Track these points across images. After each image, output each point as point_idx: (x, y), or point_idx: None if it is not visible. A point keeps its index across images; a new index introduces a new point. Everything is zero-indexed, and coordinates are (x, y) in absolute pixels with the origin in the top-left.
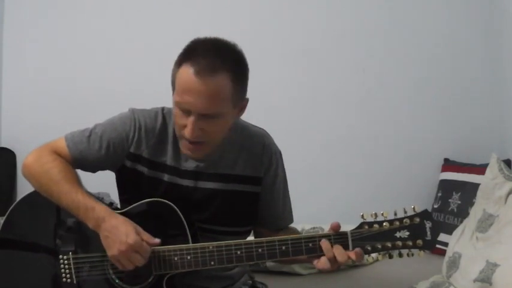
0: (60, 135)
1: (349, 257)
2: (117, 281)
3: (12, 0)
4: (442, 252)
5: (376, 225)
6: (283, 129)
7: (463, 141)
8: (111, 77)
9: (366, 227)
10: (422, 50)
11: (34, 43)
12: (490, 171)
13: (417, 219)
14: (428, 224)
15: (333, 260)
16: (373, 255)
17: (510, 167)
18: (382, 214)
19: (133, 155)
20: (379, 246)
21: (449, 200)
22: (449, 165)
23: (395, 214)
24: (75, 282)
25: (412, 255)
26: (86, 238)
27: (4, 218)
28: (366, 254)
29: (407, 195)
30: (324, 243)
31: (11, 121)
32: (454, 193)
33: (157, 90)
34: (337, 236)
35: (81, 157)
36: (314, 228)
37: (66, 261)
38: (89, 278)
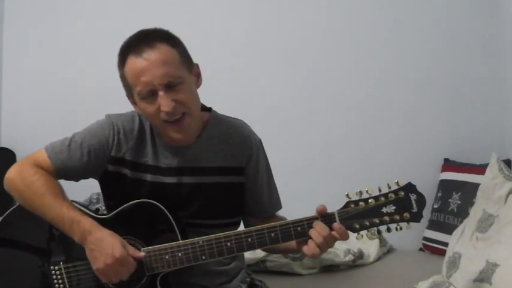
0: (60, 135)
1: (331, 234)
2: (110, 285)
3: (12, 0)
4: (442, 252)
5: (361, 203)
6: (283, 129)
7: (463, 141)
8: (111, 77)
9: (352, 205)
10: (422, 50)
11: (34, 43)
12: (490, 171)
13: (402, 193)
14: (413, 197)
15: (322, 244)
16: (362, 232)
17: (510, 167)
18: (367, 191)
19: (115, 158)
20: (367, 223)
21: (449, 200)
22: (449, 165)
23: (380, 190)
24: None
25: (401, 229)
26: (75, 247)
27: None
28: (354, 232)
29: None
30: (313, 232)
31: (11, 121)
32: (454, 193)
33: None
34: (325, 218)
35: (63, 166)
36: None
37: (57, 272)
38: (82, 286)
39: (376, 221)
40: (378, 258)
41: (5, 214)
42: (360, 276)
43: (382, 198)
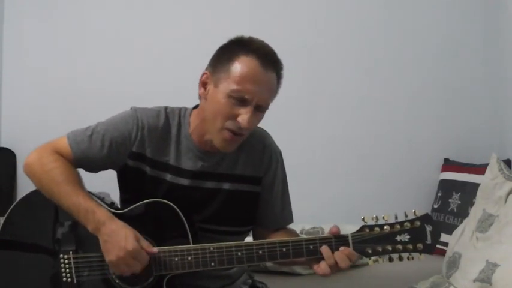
0: (60, 135)
1: (350, 261)
2: (117, 280)
3: (12, 0)
4: (442, 252)
5: (377, 228)
6: (283, 129)
7: (463, 141)
8: (111, 77)
9: (367, 230)
10: (422, 50)
11: (34, 43)
12: (490, 171)
13: (418, 223)
14: (428, 228)
15: (333, 265)
16: (374, 258)
17: (510, 167)
18: (383, 217)
19: (136, 154)
20: (380, 249)
21: (449, 200)
22: (449, 165)
23: (396, 217)
24: (75, 281)
25: (412, 258)
26: (86, 238)
27: (4, 217)
28: (366, 256)
29: (407, 195)
30: (325, 250)
31: (11, 121)
32: (454, 193)
33: (157, 90)
34: (338, 240)
35: (83, 156)
36: (314, 228)
37: (66, 261)
38: (89, 277)
39: (389, 248)
40: None
41: (15, 203)
42: (360, 276)
43: (398, 226)
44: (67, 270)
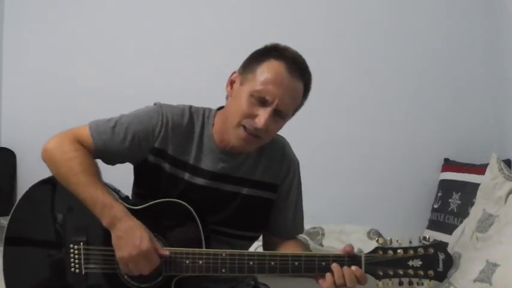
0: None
1: (359, 282)
2: (125, 277)
3: (12, 0)
4: None
5: (390, 252)
6: (283, 129)
7: (463, 141)
8: (111, 77)
9: (380, 252)
10: (422, 50)
11: (34, 43)
12: (490, 171)
13: (431, 250)
14: (441, 256)
15: (341, 284)
16: (384, 280)
17: (510, 167)
18: (397, 241)
19: (158, 150)
20: (391, 273)
21: (449, 200)
22: (449, 165)
23: (410, 242)
24: (83, 273)
25: (422, 284)
26: (98, 230)
27: (10, 213)
28: (376, 278)
29: (407, 195)
30: (336, 268)
31: (11, 121)
32: (454, 193)
33: (157, 90)
34: (351, 259)
35: (104, 148)
36: (314, 228)
37: (76, 251)
38: (97, 270)
39: (401, 272)
40: None
41: (22, 196)
42: None
43: (411, 251)
44: (76, 261)
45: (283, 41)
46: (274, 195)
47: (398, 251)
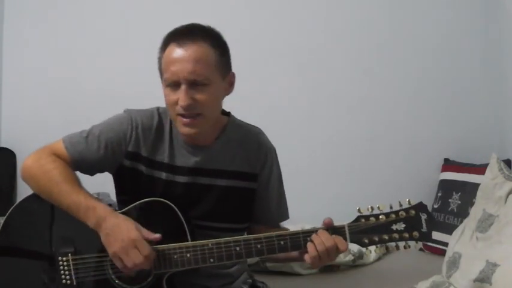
0: (60, 135)
1: (335, 243)
2: (116, 281)
3: (12, 0)
4: (442, 252)
5: (372, 218)
6: (283, 129)
7: (463, 141)
8: (111, 77)
9: (363, 220)
10: (422, 50)
11: (34, 43)
12: (490, 171)
13: (412, 212)
14: (423, 216)
15: (323, 253)
16: (371, 247)
17: (510, 167)
18: (378, 208)
19: (132, 153)
20: (376, 239)
21: (449, 200)
22: (449, 165)
23: (391, 207)
24: (74, 283)
25: (409, 247)
26: (84, 239)
27: (2, 222)
28: (363, 246)
29: (407, 195)
30: (314, 236)
31: (11, 121)
32: (454, 193)
33: (157, 90)
34: (335, 231)
35: (80, 158)
36: (314, 228)
37: (65, 263)
38: (88, 278)
39: (386, 237)
40: (378, 258)
41: (13, 207)
42: (360, 276)
43: (393, 216)
44: (66, 272)
45: (283, 41)
46: (254, 185)
47: (380, 216)
